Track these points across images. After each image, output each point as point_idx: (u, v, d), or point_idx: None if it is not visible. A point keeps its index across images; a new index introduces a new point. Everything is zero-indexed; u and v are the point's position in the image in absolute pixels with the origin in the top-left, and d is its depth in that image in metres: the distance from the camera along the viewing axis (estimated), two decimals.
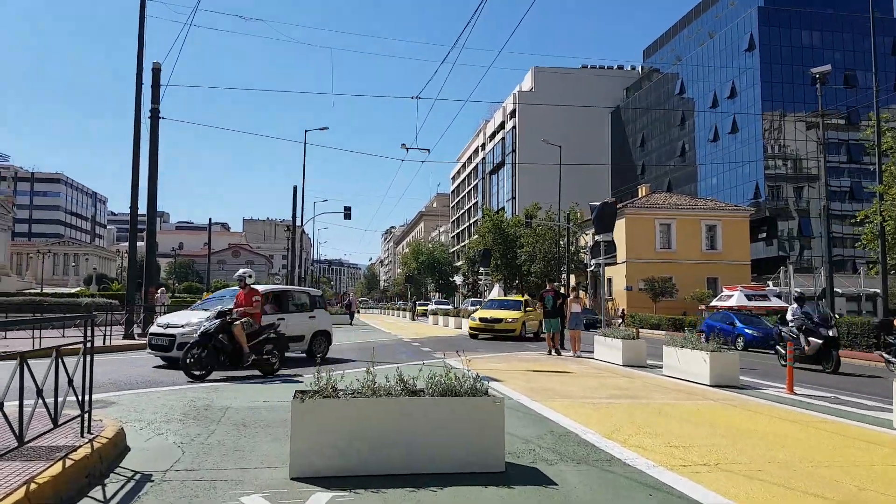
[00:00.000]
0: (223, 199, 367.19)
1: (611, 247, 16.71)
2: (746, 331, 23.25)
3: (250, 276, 11.49)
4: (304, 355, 14.18)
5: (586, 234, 55.91)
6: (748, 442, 6.56)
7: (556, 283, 17.84)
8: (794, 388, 10.71)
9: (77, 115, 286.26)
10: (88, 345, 5.31)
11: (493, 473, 5.11)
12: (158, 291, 36.21)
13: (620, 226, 54.70)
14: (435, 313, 38.72)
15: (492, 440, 5.43)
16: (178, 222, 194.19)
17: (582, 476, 5.13)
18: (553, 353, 16.89)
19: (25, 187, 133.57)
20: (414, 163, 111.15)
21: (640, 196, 58.56)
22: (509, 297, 29.43)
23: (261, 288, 12.46)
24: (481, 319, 23.51)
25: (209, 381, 10.25)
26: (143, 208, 19.53)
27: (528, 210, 56.77)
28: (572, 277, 53.08)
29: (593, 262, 17.19)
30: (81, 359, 5.25)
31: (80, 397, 5.28)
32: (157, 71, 19.63)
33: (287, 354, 12.36)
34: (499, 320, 23.05)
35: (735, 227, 55.82)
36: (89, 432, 5.40)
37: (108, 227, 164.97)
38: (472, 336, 23.81)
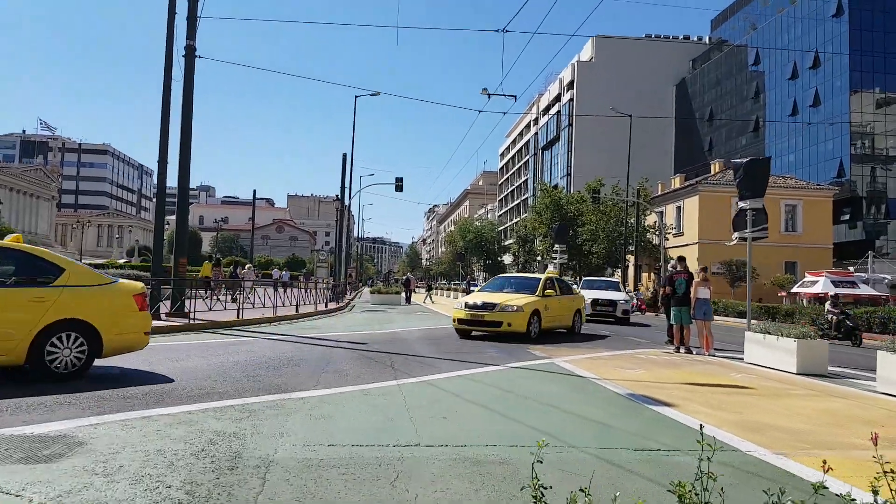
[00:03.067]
0: (268, 175, 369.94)
1: (761, 216, 12.87)
2: None
3: None
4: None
5: (655, 212, 51.71)
6: None
7: (686, 263, 14.06)
8: None
9: (125, 86, 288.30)
10: None
11: None
12: (246, 268, 34.63)
13: (693, 204, 50.43)
14: None
15: None
16: (224, 197, 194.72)
17: None
18: (682, 350, 13.25)
19: (73, 158, 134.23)
20: (493, 115, 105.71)
21: (713, 173, 53.93)
22: (525, 274, 24.64)
23: None
24: (468, 306, 14.57)
25: (234, 394, 6.96)
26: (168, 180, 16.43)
27: (591, 185, 52.64)
28: (631, 258, 49.19)
29: (736, 235, 13.39)
30: None
31: None
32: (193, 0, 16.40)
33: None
34: (490, 306, 14.10)
35: (817, 207, 50.97)
36: None
37: (153, 199, 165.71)
38: (460, 333, 15.04)
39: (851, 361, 12.65)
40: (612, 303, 23.57)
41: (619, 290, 24.84)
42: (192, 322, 14.94)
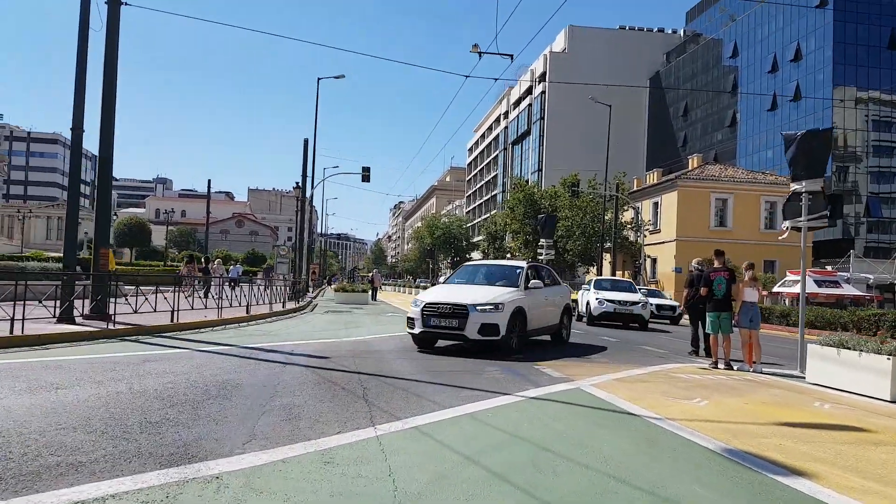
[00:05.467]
0: (229, 169, 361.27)
1: (818, 200, 10.50)
2: None
3: None
4: None
5: (632, 207, 49.82)
6: None
7: (724, 258, 11.53)
8: None
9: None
10: None
11: None
12: (215, 262, 31.89)
13: (672, 199, 48.60)
14: None
15: None
16: (182, 190, 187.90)
17: None
18: (721, 365, 10.80)
19: (22, 147, 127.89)
20: (470, 98, 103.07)
21: (691, 167, 52.29)
22: None
23: None
24: None
25: (106, 469, 4.15)
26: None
27: (567, 180, 50.47)
28: (607, 256, 47.18)
29: (788, 224, 11.00)
30: None
31: None
32: None
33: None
34: None
35: None
36: None
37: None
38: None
39: None
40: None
41: (507, 287, 11.93)
42: (111, 327, 11.97)
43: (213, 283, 22.27)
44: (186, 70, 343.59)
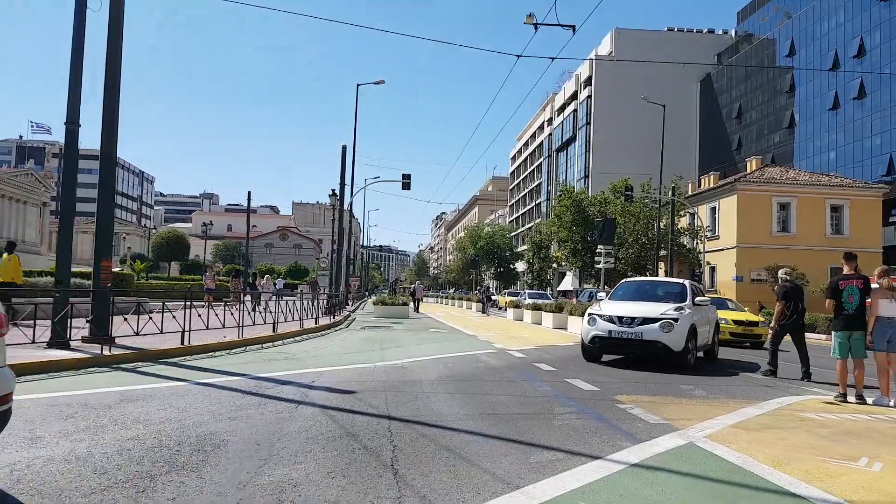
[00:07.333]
0: (275, 184, 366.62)
1: None
2: None
3: None
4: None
5: (688, 213, 47.02)
6: None
7: (856, 262, 9.08)
8: None
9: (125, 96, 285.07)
10: None
11: None
12: (265, 279, 31.16)
13: (730, 204, 45.57)
14: (517, 306, 30.54)
15: None
16: (228, 204, 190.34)
17: None
18: (852, 399, 8.46)
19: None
20: (515, 94, 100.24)
21: (750, 170, 49.16)
22: None
23: None
24: None
25: None
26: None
27: (618, 185, 47.95)
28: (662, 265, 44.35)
29: None
30: None
31: None
32: None
33: None
34: None
35: (865, 208, 46.29)
36: None
37: (155, 207, 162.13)
38: None
39: None
40: None
41: None
42: (106, 353, 10.21)
43: (261, 298, 21.57)
44: (237, 93, 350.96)
